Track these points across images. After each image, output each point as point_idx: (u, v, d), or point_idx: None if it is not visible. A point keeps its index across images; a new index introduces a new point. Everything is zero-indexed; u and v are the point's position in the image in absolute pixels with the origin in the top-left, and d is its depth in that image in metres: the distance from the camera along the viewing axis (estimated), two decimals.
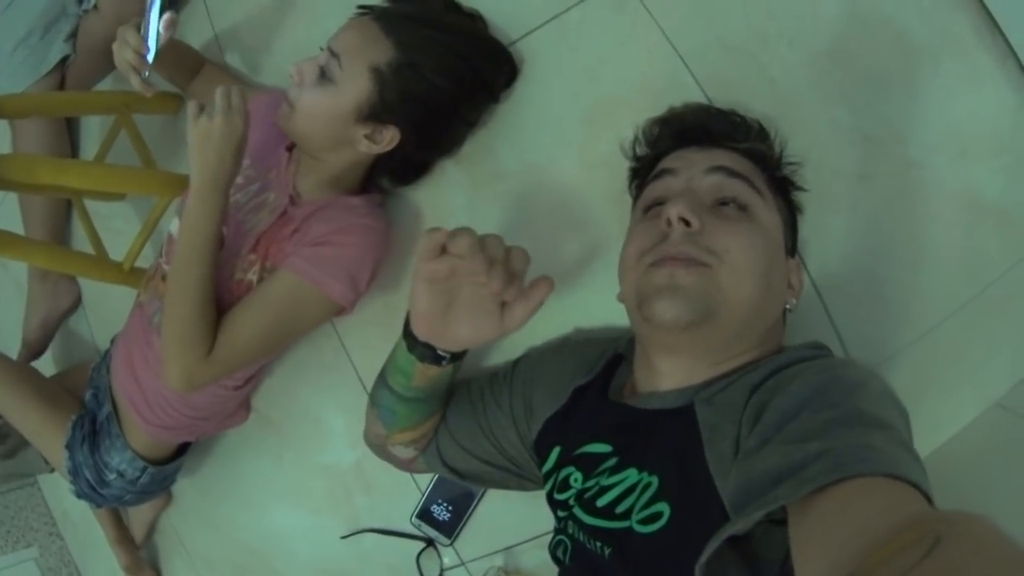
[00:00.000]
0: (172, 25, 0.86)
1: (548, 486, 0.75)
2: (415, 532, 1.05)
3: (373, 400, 0.84)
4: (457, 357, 0.74)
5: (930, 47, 0.86)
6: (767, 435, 0.50)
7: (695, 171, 0.66)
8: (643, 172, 0.77)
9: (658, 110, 0.79)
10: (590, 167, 0.93)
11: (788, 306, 0.69)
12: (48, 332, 1.30)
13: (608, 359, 0.79)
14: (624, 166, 0.85)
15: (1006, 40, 0.84)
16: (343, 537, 1.10)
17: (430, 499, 1.03)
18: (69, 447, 1.06)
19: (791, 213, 0.74)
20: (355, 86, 0.82)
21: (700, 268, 0.60)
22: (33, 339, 1.29)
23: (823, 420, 0.47)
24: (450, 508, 1.02)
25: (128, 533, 1.30)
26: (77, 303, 1.32)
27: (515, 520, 1.01)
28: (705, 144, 0.71)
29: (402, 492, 1.05)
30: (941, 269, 0.87)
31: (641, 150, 0.78)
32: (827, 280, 0.87)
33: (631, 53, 0.92)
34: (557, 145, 0.94)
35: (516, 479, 0.86)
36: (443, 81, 0.83)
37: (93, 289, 1.31)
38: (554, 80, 0.94)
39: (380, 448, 0.88)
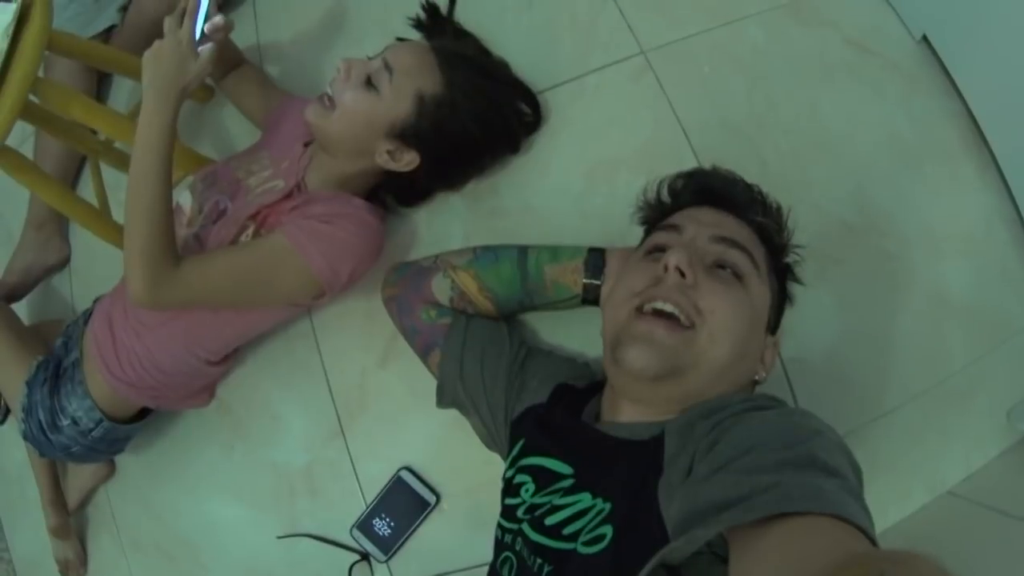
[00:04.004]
0: (222, 29, 0.85)
1: (503, 479, 0.73)
2: (352, 544, 0.99)
3: (487, 247, 0.86)
4: (588, 301, 0.80)
5: (917, 150, 0.90)
6: (718, 465, 0.48)
7: (701, 234, 0.66)
8: (655, 219, 0.77)
9: (655, 174, 0.79)
10: (584, 216, 0.94)
11: (757, 378, 0.68)
12: (28, 281, 1.24)
13: (592, 381, 0.79)
14: (616, 219, 0.85)
15: (990, 151, 0.87)
16: (279, 537, 1.03)
17: (374, 512, 0.97)
18: (29, 384, 1.00)
19: (782, 296, 0.72)
20: (397, 104, 0.82)
21: (681, 331, 0.60)
22: (11, 282, 1.22)
23: (776, 459, 0.46)
24: (392, 524, 0.96)
25: (62, 496, 1.21)
26: (64, 263, 1.26)
27: (454, 547, 0.96)
28: (720, 208, 0.71)
29: (346, 502, 0.99)
30: (905, 357, 0.88)
31: (662, 197, 0.78)
32: (792, 353, 0.87)
33: (638, 120, 0.95)
34: (557, 193, 0.96)
35: (488, 431, 0.83)
36: (476, 128, 0.85)
37: (83, 254, 1.27)
38: (564, 134, 0.96)
39: (424, 272, 0.86)
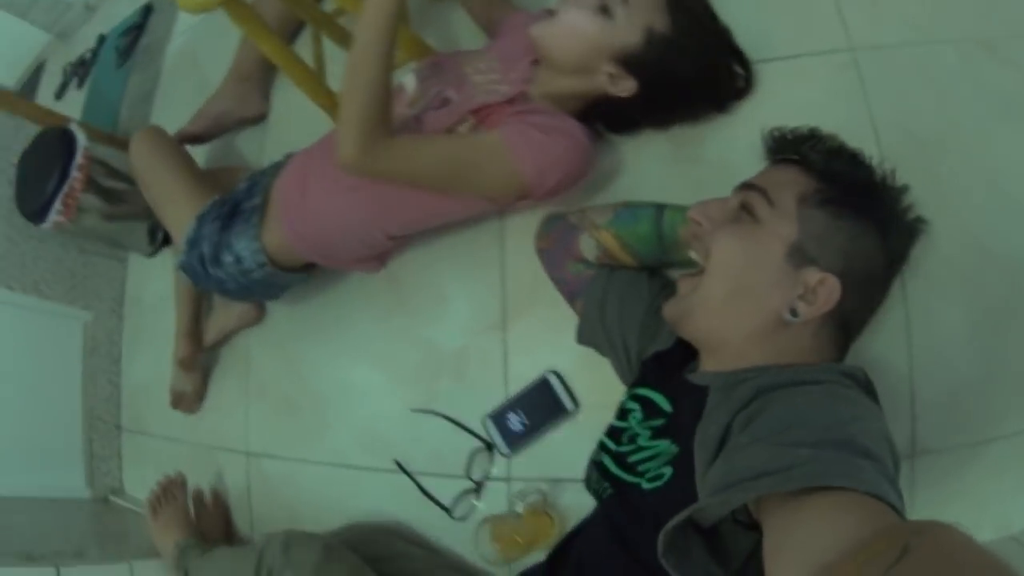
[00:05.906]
0: None
1: (618, 405, 0.80)
2: (480, 431, 1.04)
3: (628, 204, 0.91)
4: None
5: None
6: (758, 435, 0.50)
7: (733, 191, 0.75)
8: None
9: None
10: None
11: (787, 316, 0.63)
12: (217, 128, 1.26)
13: None
14: None
15: None
16: (413, 410, 1.09)
17: (511, 405, 1.02)
18: (201, 218, 1.04)
19: (844, 224, 0.66)
20: (628, 32, 0.88)
21: (693, 278, 0.71)
22: (200, 125, 1.25)
23: (816, 438, 0.47)
24: (525, 422, 1.01)
25: (200, 329, 1.25)
26: (259, 119, 1.30)
27: (577, 458, 0.96)
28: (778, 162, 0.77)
29: (488, 392, 1.04)
30: (1011, 393, 0.91)
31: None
32: (920, 362, 0.91)
33: (834, 108, 0.99)
34: (750, 157, 1.02)
35: (622, 368, 0.90)
36: (695, 74, 0.91)
37: (282, 113, 1.30)
38: (763, 105, 1.01)
39: (571, 229, 0.91)
